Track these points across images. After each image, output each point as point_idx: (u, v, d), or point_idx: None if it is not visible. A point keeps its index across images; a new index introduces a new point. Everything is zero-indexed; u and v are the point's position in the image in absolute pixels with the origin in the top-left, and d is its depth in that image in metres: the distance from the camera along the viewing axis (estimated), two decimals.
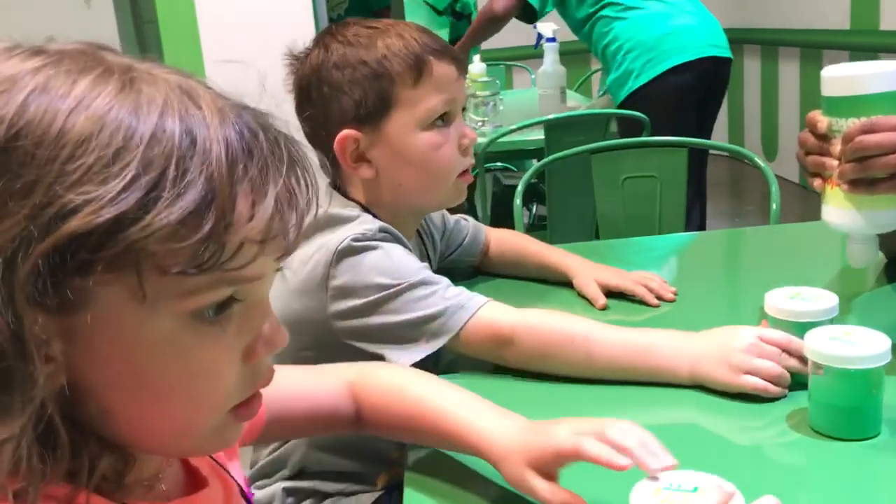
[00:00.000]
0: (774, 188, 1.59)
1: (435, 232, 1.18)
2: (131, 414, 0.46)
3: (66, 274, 0.40)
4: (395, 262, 0.92)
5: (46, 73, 0.42)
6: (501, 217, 2.45)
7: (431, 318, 0.89)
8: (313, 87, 0.97)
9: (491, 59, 3.23)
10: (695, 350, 0.84)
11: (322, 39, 1.00)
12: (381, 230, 0.94)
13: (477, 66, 2.81)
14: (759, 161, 1.65)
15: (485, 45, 3.04)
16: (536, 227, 2.88)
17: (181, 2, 2.70)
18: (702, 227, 2.47)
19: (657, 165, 1.79)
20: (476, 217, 3.13)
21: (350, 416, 0.76)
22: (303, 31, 1.43)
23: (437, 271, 1.20)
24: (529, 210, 3.15)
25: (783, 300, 0.84)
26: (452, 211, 1.26)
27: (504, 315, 0.90)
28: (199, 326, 0.45)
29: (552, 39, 2.67)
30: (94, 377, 0.44)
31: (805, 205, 4.52)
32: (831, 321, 0.81)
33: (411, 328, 0.89)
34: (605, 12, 2.45)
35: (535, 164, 2.87)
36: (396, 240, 0.96)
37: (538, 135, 2.30)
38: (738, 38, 5.39)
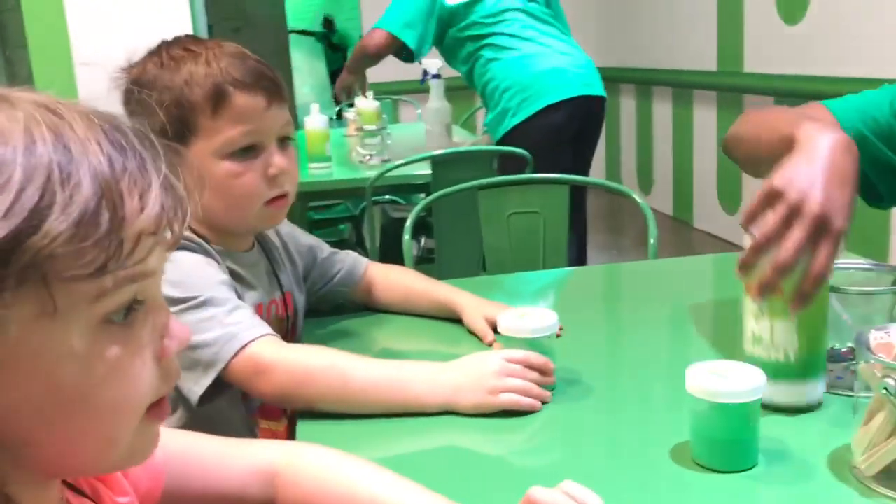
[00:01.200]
0: (651, 223, 1.65)
1: (297, 255, 1.18)
2: (54, 436, 0.45)
3: None
4: (185, 272, 0.92)
5: None
6: (391, 249, 2.45)
7: (205, 344, 0.89)
8: (132, 100, 0.98)
9: (379, 92, 3.24)
10: (450, 380, 0.89)
11: (147, 56, 1.01)
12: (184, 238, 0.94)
13: (367, 102, 2.82)
14: (637, 197, 1.72)
15: (372, 80, 3.05)
16: (425, 260, 2.89)
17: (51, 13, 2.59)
18: (582, 260, 2.54)
19: (539, 201, 1.83)
20: (365, 249, 3.14)
21: (260, 502, 0.71)
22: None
23: (316, 305, 1.20)
24: (418, 243, 3.16)
25: (514, 320, 0.94)
26: (339, 245, 1.26)
27: (270, 348, 0.91)
28: (110, 332, 0.45)
29: (437, 76, 2.71)
30: (9, 407, 0.42)
31: (680, 237, 4.74)
32: (551, 336, 0.94)
33: (193, 351, 0.89)
34: (482, 53, 2.51)
35: (422, 197, 2.89)
36: (198, 249, 0.97)
37: (425, 169, 2.32)
38: (615, 76, 5.63)
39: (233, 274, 1.03)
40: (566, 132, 2.46)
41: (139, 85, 0.97)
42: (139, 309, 0.46)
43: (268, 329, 0.93)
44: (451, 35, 2.56)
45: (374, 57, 2.66)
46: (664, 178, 5.26)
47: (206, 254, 0.99)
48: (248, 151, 1.00)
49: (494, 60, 2.49)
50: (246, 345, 0.90)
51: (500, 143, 2.46)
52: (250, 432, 1.05)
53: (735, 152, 1.12)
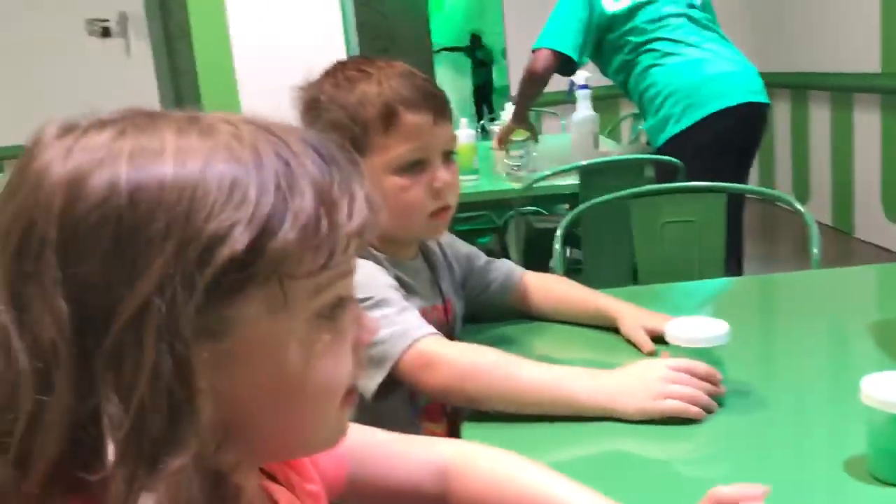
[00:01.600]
0: (814, 233, 1.59)
1: (455, 262, 1.23)
2: (275, 420, 0.49)
3: (220, 300, 0.44)
4: (361, 275, 0.95)
5: (130, 137, 0.45)
6: (534, 260, 2.46)
7: (379, 341, 0.93)
8: (309, 117, 1.05)
9: None
10: (613, 385, 0.90)
11: (324, 75, 1.07)
12: None
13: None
14: (798, 205, 1.66)
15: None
16: (570, 272, 2.87)
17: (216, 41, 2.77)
18: (739, 271, 2.46)
19: (695, 210, 1.80)
20: (509, 259, 3.16)
21: (434, 497, 0.73)
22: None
23: (473, 312, 1.24)
24: (563, 254, 3.15)
25: (684, 329, 0.92)
26: (490, 252, 1.29)
27: (437, 344, 0.95)
28: (322, 324, 0.49)
29: (584, 86, 2.70)
30: (240, 396, 0.47)
31: (838, 248, 4.49)
32: (722, 347, 0.92)
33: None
34: (642, 59, 2.46)
35: (565, 208, 2.88)
36: (369, 256, 1.03)
37: (572, 180, 2.32)
38: (768, 81, 5.41)
39: (398, 280, 1.08)
40: (732, 140, 2.39)
41: (316, 103, 1.05)
42: (342, 302, 0.51)
43: (434, 329, 0.98)
44: (608, 41, 2.52)
45: (544, 79, 2.57)
46: (821, 186, 4.99)
47: (376, 261, 1.05)
48: (415, 166, 1.05)
49: (656, 66, 2.44)
50: (415, 341, 0.94)
51: (661, 149, 2.41)
52: (415, 432, 1.09)
53: None
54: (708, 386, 0.89)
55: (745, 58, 2.49)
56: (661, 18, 2.45)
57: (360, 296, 0.94)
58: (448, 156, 1.09)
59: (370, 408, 0.97)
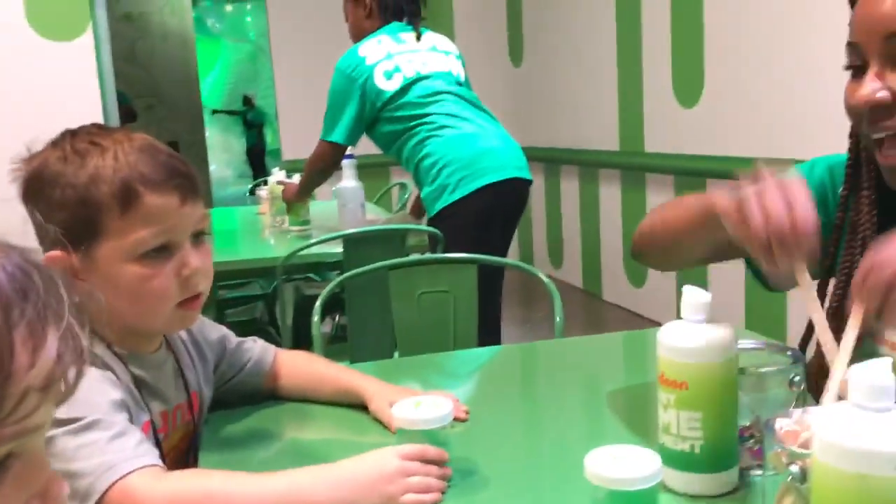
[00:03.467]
0: (557, 304, 1.68)
1: (207, 348, 1.14)
2: None
3: None
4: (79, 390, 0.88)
5: None
6: (304, 326, 2.42)
7: (83, 473, 0.82)
8: (32, 195, 0.93)
9: (291, 170, 3.26)
10: (351, 479, 0.86)
11: (50, 147, 0.95)
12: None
13: (287, 181, 2.94)
14: (543, 277, 1.75)
15: (286, 157, 3.07)
16: (339, 339, 2.86)
17: None
18: (497, 337, 2.56)
19: (450, 280, 1.85)
20: (276, 327, 3.07)
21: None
22: None
23: (224, 396, 1.17)
24: (333, 319, 3.13)
25: (408, 411, 0.92)
26: (257, 330, 1.23)
27: (146, 481, 0.83)
28: None
29: (350, 156, 2.73)
30: None
31: (589, 310, 4.85)
32: (446, 427, 0.92)
33: (72, 478, 0.82)
34: (418, 130, 2.54)
35: (336, 274, 2.88)
36: (97, 361, 0.91)
37: (338, 247, 2.33)
38: (527, 155, 5.80)
39: (137, 380, 0.98)
40: (501, 212, 2.52)
41: (40, 179, 0.92)
42: (13, 464, 0.42)
43: (151, 458, 0.86)
44: (383, 117, 2.58)
45: (329, 171, 2.71)
46: (573, 253, 5.39)
47: (105, 366, 0.93)
48: (160, 252, 0.94)
49: (433, 137, 2.52)
50: (122, 477, 0.82)
51: (435, 217, 2.50)
52: None
53: (645, 248, 1.17)
54: (438, 470, 0.89)
55: (509, 135, 2.65)
56: (434, 94, 2.55)
57: (70, 415, 0.83)
58: (199, 237, 0.99)
59: None
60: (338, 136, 2.59)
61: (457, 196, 2.46)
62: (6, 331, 0.40)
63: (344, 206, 2.74)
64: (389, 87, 2.54)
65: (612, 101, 4.67)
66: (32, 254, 0.45)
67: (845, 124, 1.04)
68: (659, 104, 4.21)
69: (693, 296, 0.85)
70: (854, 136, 1.03)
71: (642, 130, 4.39)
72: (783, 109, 3.27)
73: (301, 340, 2.65)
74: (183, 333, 1.11)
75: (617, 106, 4.64)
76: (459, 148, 2.50)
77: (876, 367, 0.59)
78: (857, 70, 0.96)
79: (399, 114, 2.56)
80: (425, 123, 2.54)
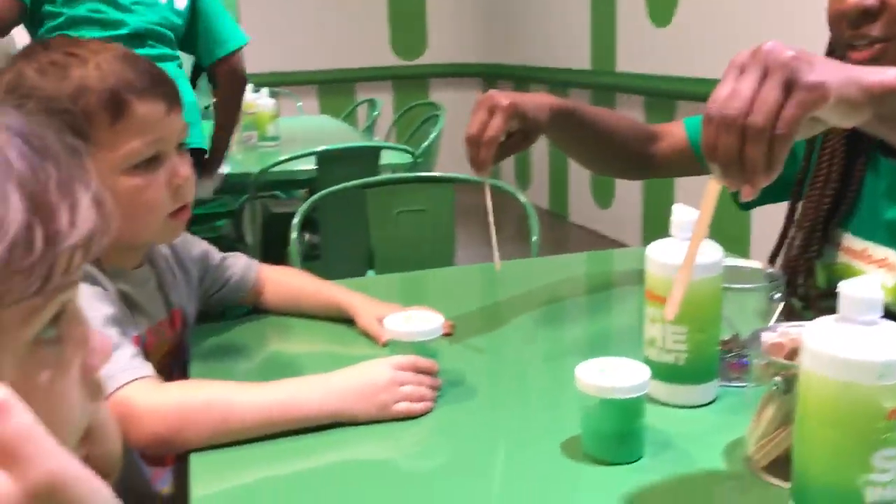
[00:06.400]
0: (534, 223, 1.70)
1: (190, 264, 1.14)
2: None
3: None
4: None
5: None
6: (272, 245, 2.41)
7: None
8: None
9: (259, 84, 3.20)
10: (344, 388, 0.87)
11: (22, 59, 0.91)
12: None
13: (263, 100, 2.92)
14: (520, 196, 1.76)
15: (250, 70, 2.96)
16: (310, 257, 2.85)
17: None
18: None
19: (427, 200, 1.86)
20: (245, 244, 3.07)
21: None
22: None
23: (209, 309, 1.17)
24: (302, 238, 3.12)
25: (400, 324, 0.94)
26: (225, 247, 1.23)
27: (142, 392, 0.84)
28: (39, 353, 0.40)
29: None
30: None
31: (555, 231, 4.89)
32: (436, 339, 0.94)
33: None
34: None
35: (302, 192, 2.87)
36: (88, 278, 0.90)
37: (310, 164, 2.30)
38: (493, 72, 5.74)
39: (123, 296, 0.98)
40: None
41: (16, 93, 0.88)
42: (63, 319, 0.42)
43: (146, 370, 0.87)
44: None
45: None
46: (541, 174, 5.40)
47: (95, 282, 0.92)
48: (150, 162, 0.93)
49: None
50: (119, 388, 0.83)
51: None
52: (143, 478, 1.00)
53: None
54: (429, 380, 0.91)
55: None
56: None
57: None
58: (181, 147, 0.98)
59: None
60: None
61: None
62: (43, 189, 0.39)
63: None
64: None
65: (583, 18, 4.61)
66: (38, 116, 0.44)
67: (820, 43, 1.04)
68: (631, 23, 4.17)
69: (682, 214, 0.87)
70: (829, 54, 1.04)
71: (614, 50, 4.36)
72: (758, 30, 3.26)
73: (270, 258, 2.63)
74: (166, 249, 1.11)
75: (589, 23, 4.58)
76: None
77: (865, 282, 0.61)
78: None
79: None
80: None
